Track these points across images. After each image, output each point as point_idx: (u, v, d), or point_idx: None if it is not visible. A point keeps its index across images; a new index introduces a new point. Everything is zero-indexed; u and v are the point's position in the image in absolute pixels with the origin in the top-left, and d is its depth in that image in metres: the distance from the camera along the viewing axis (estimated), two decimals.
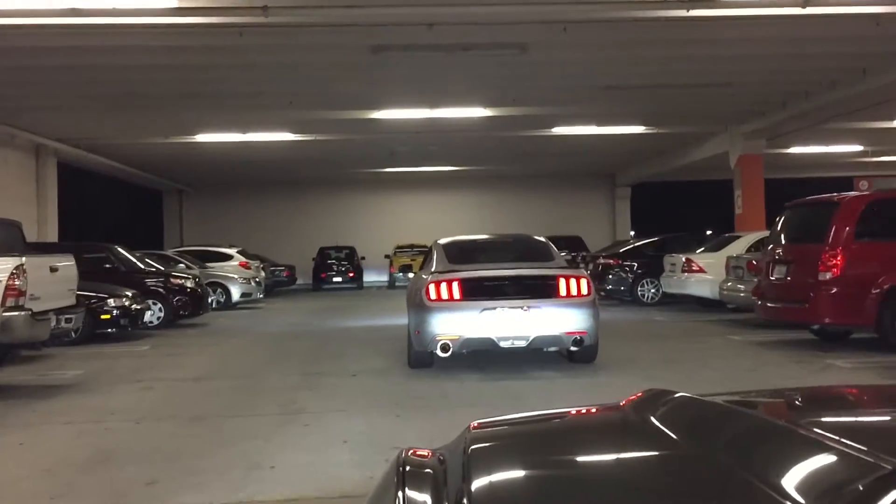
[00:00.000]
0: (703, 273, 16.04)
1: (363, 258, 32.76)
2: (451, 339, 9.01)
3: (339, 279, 31.66)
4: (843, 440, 1.36)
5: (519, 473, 1.56)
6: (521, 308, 9.01)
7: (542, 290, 9.24)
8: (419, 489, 1.48)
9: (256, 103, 18.89)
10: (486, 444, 1.69)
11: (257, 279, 22.41)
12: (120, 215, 37.27)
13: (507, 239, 12.55)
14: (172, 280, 16.55)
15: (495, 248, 11.33)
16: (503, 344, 9.08)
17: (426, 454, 1.74)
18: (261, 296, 22.44)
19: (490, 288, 9.23)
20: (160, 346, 13.27)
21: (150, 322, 16.09)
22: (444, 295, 9.11)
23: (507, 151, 28.89)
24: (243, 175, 33.62)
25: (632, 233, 25.96)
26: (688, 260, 16.21)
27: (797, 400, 2.07)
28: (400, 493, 1.46)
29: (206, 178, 34.21)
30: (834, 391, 2.36)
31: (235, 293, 21.36)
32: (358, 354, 11.66)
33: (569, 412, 2.10)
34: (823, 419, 1.81)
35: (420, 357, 9.68)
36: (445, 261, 10.06)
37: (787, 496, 1.19)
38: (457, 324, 9.01)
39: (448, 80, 17.36)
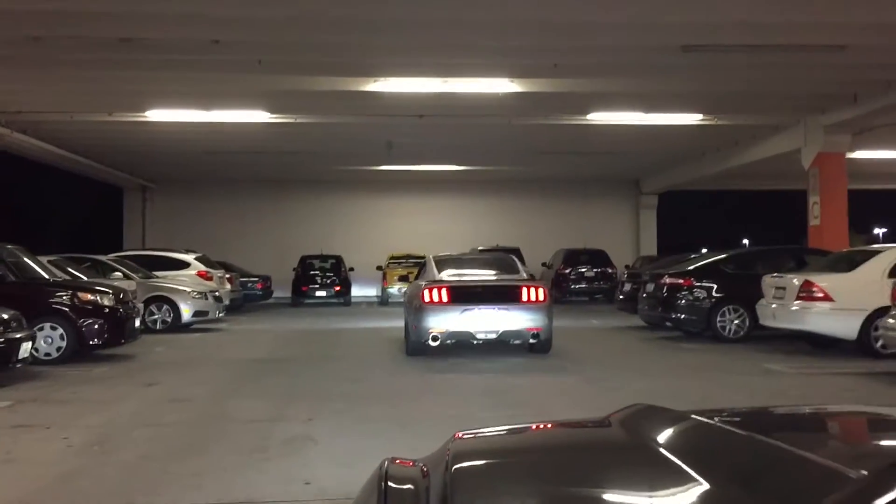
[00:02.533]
0: (828, 301, 11.26)
1: (351, 269, 27.93)
2: (440, 332, 11.35)
3: (322, 293, 26.78)
4: (821, 455, 1.41)
5: (501, 487, 1.53)
6: (493, 309, 11.36)
7: (509, 296, 11.54)
8: (401, 497, 1.48)
9: (216, 59, 14.04)
10: (470, 459, 1.67)
11: (216, 293, 17.51)
12: (77, 214, 32.34)
13: (484, 255, 17.19)
14: (81, 296, 11.65)
15: (475, 262, 14.10)
16: (479, 335, 11.44)
17: (409, 465, 1.71)
18: (221, 314, 17.56)
19: (470, 293, 11.57)
20: (23, 402, 8.34)
21: (49, 355, 11.24)
22: (436, 298, 11.44)
23: (524, 146, 24.13)
24: (215, 171, 28.75)
25: (703, 250, 21.27)
26: (807, 283, 11.39)
27: (780, 417, 2.11)
28: (382, 496, 1.45)
29: (172, 173, 29.31)
30: (822, 412, 2.25)
31: (186, 311, 16.48)
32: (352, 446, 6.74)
33: (553, 425, 2.09)
34: (807, 435, 1.86)
35: (416, 346, 11.83)
36: (436, 271, 12.28)
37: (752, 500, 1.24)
38: (444, 320, 11.36)
39: (471, 28, 12.58)
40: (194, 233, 30.26)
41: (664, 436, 1.71)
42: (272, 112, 18.66)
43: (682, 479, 1.42)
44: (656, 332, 15.67)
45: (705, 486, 1.37)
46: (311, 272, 27.31)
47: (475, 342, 11.53)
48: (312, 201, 31.34)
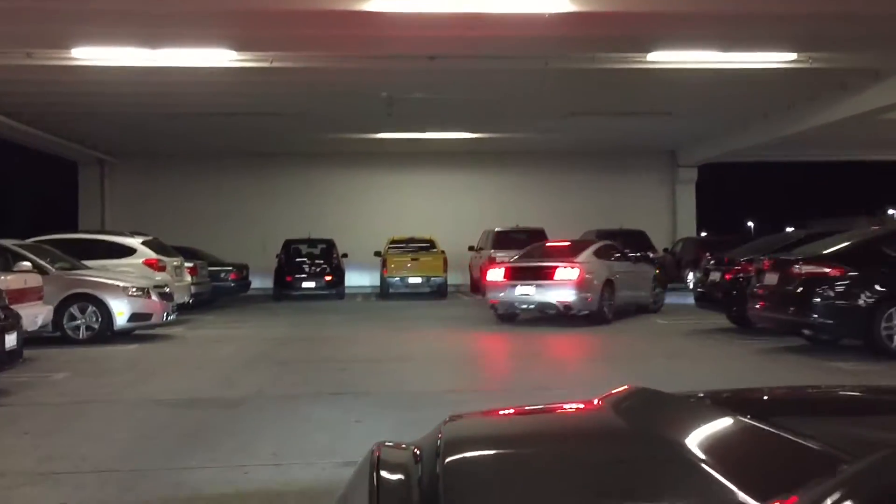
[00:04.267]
0: None
1: (345, 256, 23.43)
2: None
3: (310, 284, 22.26)
4: (809, 436, 1.39)
5: (492, 471, 1.53)
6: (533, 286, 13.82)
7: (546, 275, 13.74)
8: (393, 485, 1.45)
9: None
10: (461, 443, 1.65)
11: (164, 288, 12.98)
12: (28, 193, 27.75)
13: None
14: None
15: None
16: (522, 305, 14.27)
17: (400, 448, 1.69)
18: (171, 316, 13.01)
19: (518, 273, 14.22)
20: None
21: None
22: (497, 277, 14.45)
23: (555, 104, 19.58)
24: (182, 141, 24.15)
25: (788, 228, 16.87)
26: None
27: (770, 398, 2.09)
28: (373, 488, 1.42)
29: (132, 144, 24.68)
30: (809, 391, 2.28)
31: (120, 314, 11.96)
32: None
33: (545, 408, 2.06)
34: (791, 416, 1.84)
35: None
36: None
37: (749, 488, 1.20)
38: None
39: None
40: (162, 214, 25.76)
41: (659, 420, 1.68)
42: (238, 49, 14.09)
43: (662, 458, 1.43)
44: (763, 339, 11.24)
45: (698, 469, 1.35)
46: (298, 259, 22.78)
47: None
48: (299, 177, 26.76)
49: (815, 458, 1.30)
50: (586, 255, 14.43)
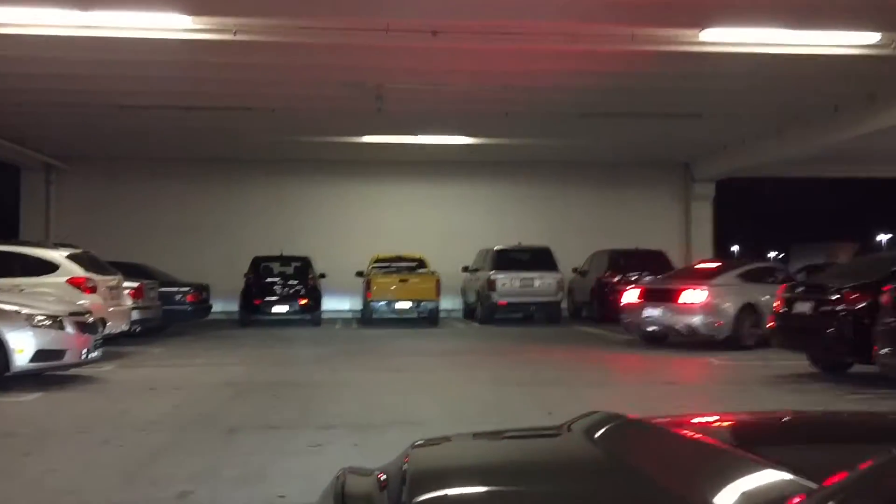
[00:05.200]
0: None
1: (322, 276, 20.37)
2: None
3: (283, 308, 19.16)
4: (775, 462, 1.38)
5: (460, 494, 1.50)
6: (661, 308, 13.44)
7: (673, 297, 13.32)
8: (357, 500, 1.45)
9: None
10: (426, 466, 1.62)
11: (86, 317, 9.82)
12: None
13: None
14: None
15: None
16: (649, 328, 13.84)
17: (366, 475, 1.67)
18: (94, 354, 9.83)
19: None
20: None
21: None
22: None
23: (570, 102, 16.74)
24: (139, 144, 21.00)
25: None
26: None
27: (738, 424, 2.09)
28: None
29: (82, 146, 21.52)
30: (776, 416, 2.22)
31: (20, 351, 8.80)
32: None
33: (510, 433, 2.07)
34: (760, 442, 1.84)
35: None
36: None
37: None
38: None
39: None
40: (115, 226, 22.59)
41: (617, 442, 1.68)
42: (193, 13, 11.09)
43: (630, 484, 1.41)
44: (873, 390, 8.37)
45: (661, 495, 1.33)
46: (268, 280, 19.68)
47: None
48: (273, 187, 23.65)
49: (786, 484, 1.27)
50: (726, 277, 13.88)
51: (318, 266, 20.32)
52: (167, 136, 20.00)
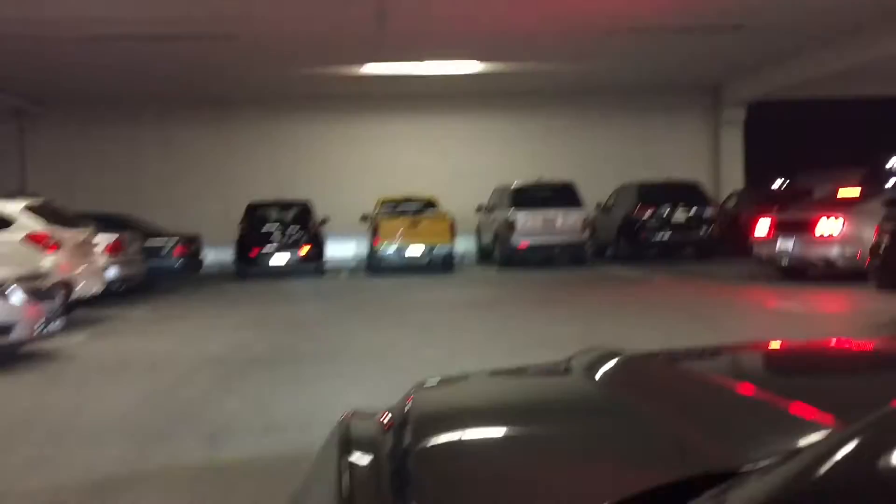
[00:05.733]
0: None
1: (324, 221, 18.53)
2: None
3: (282, 258, 17.35)
4: (784, 398, 1.33)
5: (460, 434, 1.48)
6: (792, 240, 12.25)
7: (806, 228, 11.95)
8: (362, 452, 1.40)
9: None
10: (429, 406, 1.62)
11: (40, 282, 8.00)
12: None
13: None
14: None
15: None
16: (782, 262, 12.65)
17: (370, 417, 1.63)
18: (56, 325, 8.03)
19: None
20: None
21: None
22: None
23: (592, 14, 14.67)
24: (118, 83, 18.97)
25: None
26: None
27: (745, 356, 2.02)
28: (342, 457, 1.38)
29: (56, 86, 19.45)
30: (783, 346, 2.08)
31: None
32: None
33: (514, 371, 2.05)
34: (769, 376, 1.80)
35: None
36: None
37: (724, 453, 1.12)
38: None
39: None
40: (98, 175, 20.86)
41: (619, 378, 1.64)
42: None
43: (630, 420, 1.40)
44: None
45: (673, 435, 1.28)
46: (265, 227, 17.84)
47: None
48: (266, 127, 21.65)
49: (794, 421, 1.23)
50: (869, 204, 11.49)
51: (320, 211, 18.47)
52: (147, 73, 17.93)
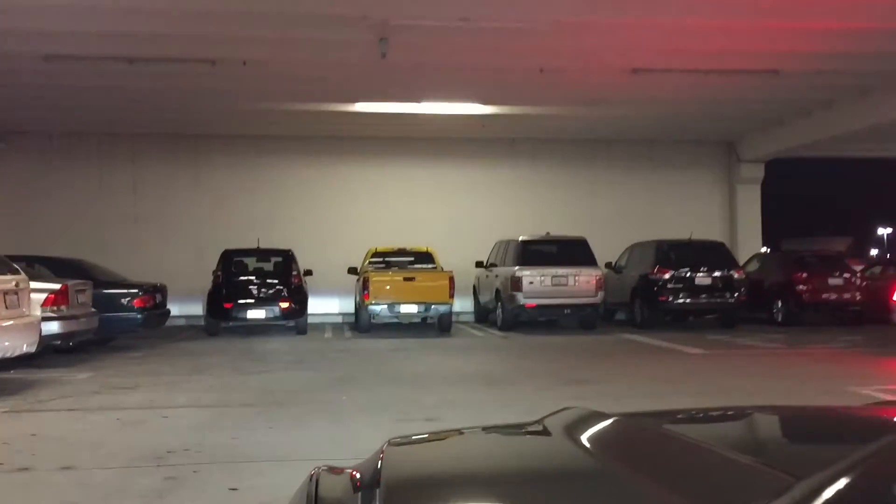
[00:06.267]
0: None
1: (308, 273, 16.56)
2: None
3: (259, 312, 15.30)
4: (752, 457, 1.36)
5: (431, 487, 1.46)
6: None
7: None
8: (331, 501, 1.42)
9: None
10: (401, 463, 1.56)
11: None
12: None
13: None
14: None
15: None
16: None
17: (339, 474, 1.61)
18: None
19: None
20: None
21: None
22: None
23: (629, 38, 13.05)
24: (81, 113, 17.04)
25: None
26: None
27: (718, 419, 2.06)
28: None
29: (13, 117, 17.51)
30: (748, 411, 2.08)
31: None
32: None
33: (487, 429, 1.98)
34: (737, 436, 1.81)
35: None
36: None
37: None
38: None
39: None
40: (57, 217, 18.80)
41: (595, 438, 1.63)
42: None
43: (606, 480, 1.40)
44: None
45: (643, 493, 1.29)
46: (242, 278, 15.83)
47: None
48: (247, 168, 19.75)
49: (760, 478, 1.24)
50: None
51: (303, 261, 16.50)
52: (113, 102, 16.06)
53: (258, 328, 15.79)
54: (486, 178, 20.08)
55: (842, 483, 0.96)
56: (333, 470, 1.62)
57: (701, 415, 2.10)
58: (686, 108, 17.06)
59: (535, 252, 15.91)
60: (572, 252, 15.84)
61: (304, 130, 18.98)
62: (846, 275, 16.72)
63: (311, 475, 1.56)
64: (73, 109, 16.66)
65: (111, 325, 12.70)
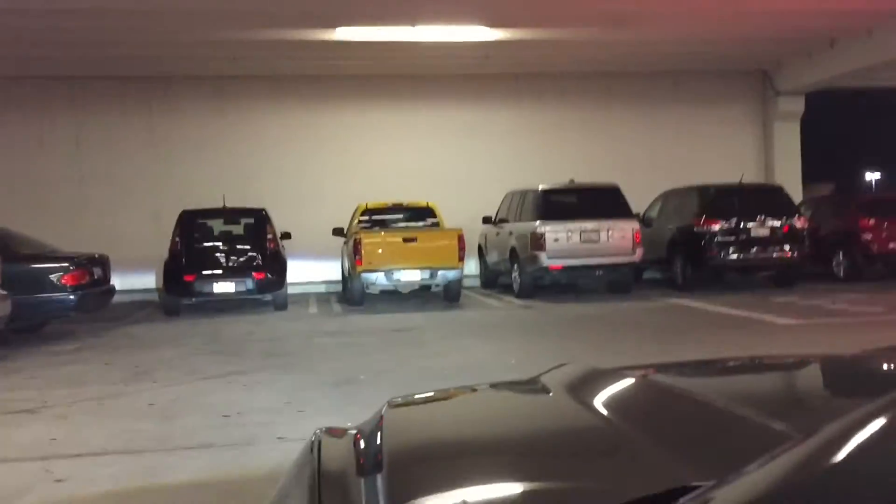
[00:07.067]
0: None
1: (286, 236, 13.74)
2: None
3: (228, 285, 12.44)
4: (750, 410, 1.35)
5: (432, 446, 1.48)
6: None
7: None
8: (334, 467, 1.39)
9: None
10: (401, 419, 1.62)
11: None
12: None
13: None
14: None
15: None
16: None
17: (342, 434, 1.61)
18: None
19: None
20: None
21: None
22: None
23: None
24: (15, 48, 13.88)
25: None
26: None
27: (715, 370, 2.01)
28: (316, 471, 1.37)
29: None
30: (748, 360, 2.10)
31: None
32: None
33: (486, 387, 1.97)
34: (735, 389, 1.76)
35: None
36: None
37: (691, 465, 1.13)
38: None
39: None
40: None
41: (591, 392, 1.62)
42: None
43: (599, 433, 1.38)
44: None
45: (642, 450, 1.27)
46: (205, 244, 12.97)
47: None
48: (211, 114, 16.63)
49: (758, 434, 1.21)
50: None
51: (280, 222, 13.66)
52: (49, 34, 12.92)
53: (228, 304, 12.97)
54: (488, 122, 17.15)
55: (846, 440, 0.87)
56: (333, 432, 1.60)
57: (703, 366, 1.98)
58: (715, 27, 14.21)
59: (558, 203, 13.16)
60: (603, 202, 13.09)
61: (276, 68, 15.94)
62: None
63: (314, 436, 1.54)
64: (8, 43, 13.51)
65: (35, 309, 9.88)
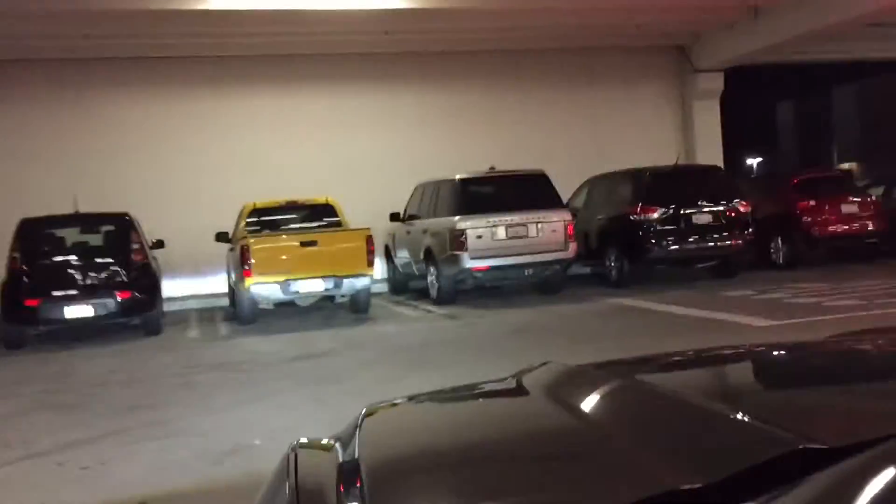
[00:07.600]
0: None
1: (158, 244, 11.44)
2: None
3: (84, 308, 10.01)
4: (735, 408, 1.29)
5: (412, 456, 1.41)
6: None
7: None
8: (311, 483, 1.35)
9: None
10: (379, 428, 1.56)
11: None
12: None
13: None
14: None
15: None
16: None
17: (318, 443, 1.60)
18: None
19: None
20: None
21: None
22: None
23: None
24: None
25: None
26: None
27: (696, 365, 1.89)
28: (293, 487, 1.33)
29: None
30: (728, 351, 1.99)
31: None
32: None
33: (463, 389, 1.90)
34: (717, 385, 1.72)
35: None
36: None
37: (673, 467, 1.07)
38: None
39: None
40: None
41: (569, 392, 1.58)
42: None
43: (580, 434, 1.35)
44: None
45: (601, 438, 1.26)
46: (53, 259, 10.53)
47: None
48: (59, 101, 14.04)
49: (751, 436, 1.13)
50: None
51: (150, 229, 11.35)
52: None
53: (87, 331, 10.56)
54: (393, 107, 15.23)
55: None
56: (309, 444, 1.57)
57: (679, 358, 1.90)
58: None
59: (479, 195, 11.41)
60: (530, 191, 11.42)
61: (138, 49, 13.52)
62: (858, 199, 13.19)
63: (290, 449, 1.50)
64: None
65: None
